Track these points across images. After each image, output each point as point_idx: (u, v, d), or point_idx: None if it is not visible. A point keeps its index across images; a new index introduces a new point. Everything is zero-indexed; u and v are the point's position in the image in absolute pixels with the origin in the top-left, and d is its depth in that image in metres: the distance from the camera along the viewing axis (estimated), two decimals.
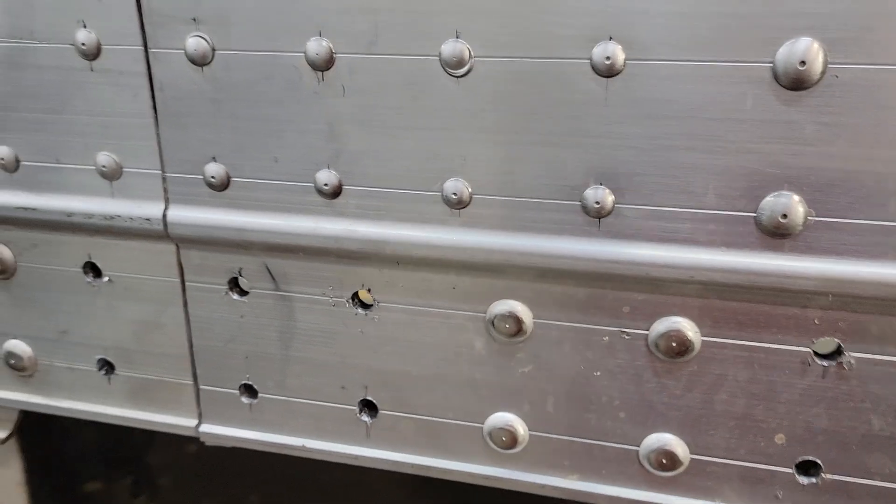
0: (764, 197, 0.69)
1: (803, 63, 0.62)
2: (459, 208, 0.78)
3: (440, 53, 0.73)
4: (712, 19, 0.65)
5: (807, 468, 0.79)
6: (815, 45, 0.62)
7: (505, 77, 0.72)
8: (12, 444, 1.19)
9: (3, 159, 0.91)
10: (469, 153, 0.76)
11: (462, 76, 0.73)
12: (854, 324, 0.71)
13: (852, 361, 0.73)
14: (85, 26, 0.82)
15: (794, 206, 0.67)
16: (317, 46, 0.75)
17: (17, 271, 0.98)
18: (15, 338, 1.02)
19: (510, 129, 0.74)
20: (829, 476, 0.78)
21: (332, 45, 0.75)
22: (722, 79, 0.66)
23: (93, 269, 0.95)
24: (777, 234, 0.69)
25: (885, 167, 0.65)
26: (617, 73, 0.68)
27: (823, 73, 0.63)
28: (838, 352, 0.73)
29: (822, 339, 0.73)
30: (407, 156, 0.78)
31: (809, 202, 0.68)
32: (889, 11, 0.61)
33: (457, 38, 0.71)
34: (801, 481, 0.79)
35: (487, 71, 0.72)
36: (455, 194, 0.77)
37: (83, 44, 0.83)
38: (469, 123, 0.75)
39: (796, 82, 0.64)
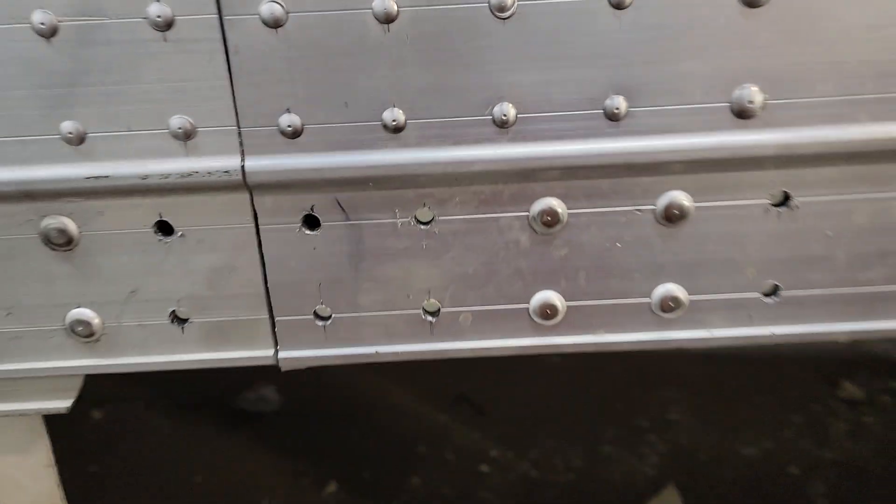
0: (734, 90, 0.96)
1: None
2: (507, 128, 0.99)
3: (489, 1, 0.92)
4: None
5: (771, 291, 1.09)
6: None
7: (542, 16, 0.93)
8: (40, 426, 1.24)
9: (70, 133, 0.97)
10: (514, 81, 0.96)
11: (507, 18, 0.93)
12: (797, 176, 1.01)
13: (798, 205, 1.02)
14: (158, 0, 0.92)
15: (756, 94, 0.95)
16: (381, 3, 0.92)
17: (80, 241, 1.04)
18: (80, 306, 1.08)
19: (548, 59, 0.95)
20: (785, 293, 1.08)
21: (395, 1, 0.92)
22: (701, 7, 0.92)
23: (163, 228, 1.05)
24: (744, 117, 0.97)
25: (820, 62, 0.94)
26: (627, 6, 0.92)
27: None
28: (787, 198, 1.03)
29: (775, 191, 1.03)
30: (459, 90, 0.97)
31: (767, 90, 0.95)
32: None
33: None
34: (766, 301, 1.09)
35: (528, 12, 0.93)
36: (504, 115, 0.97)
37: (158, 16, 0.92)
38: (514, 57, 0.95)
39: (752, 3, 0.91)
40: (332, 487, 2.94)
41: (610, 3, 0.92)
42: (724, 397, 3.49)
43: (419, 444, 3.20)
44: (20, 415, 1.05)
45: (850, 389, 3.44)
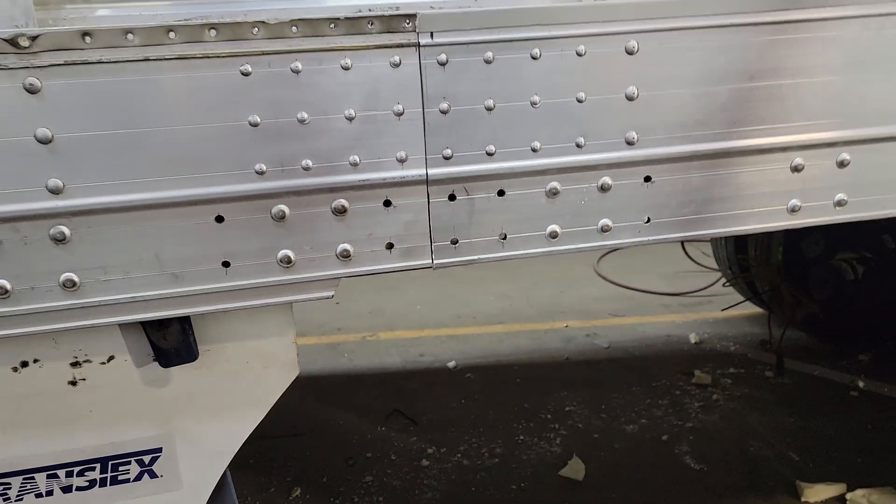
0: (626, 132, 1.73)
1: None
2: None
3: None
4: None
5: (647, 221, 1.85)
6: None
7: None
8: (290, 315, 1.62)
9: None
10: None
11: None
12: (658, 169, 1.78)
13: (655, 182, 1.80)
14: None
15: (634, 134, 1.73)
16: None
17: None
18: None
19: None
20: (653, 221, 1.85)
21: None
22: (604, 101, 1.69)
23: None
24: (630, 143, 1.74)
25: (663, 122, 1.73)
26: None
27: None
28: (649, 178, 1.80)
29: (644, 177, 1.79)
30: None
31: (639, 133, 1.73)
32: None
33: None
34: (645, 225, 1.84)
35: None
36: None
37: None
38: None
39: (630, 98, 1.69)
40: (297, 492, 3.40)
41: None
42: (607, 391, 4.33)
43: (366, 451, 3.74)
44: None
45: (700, 376, 4.38)
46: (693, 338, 5.03)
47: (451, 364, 4.75)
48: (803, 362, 4.45)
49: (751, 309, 5.19)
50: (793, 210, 1.59)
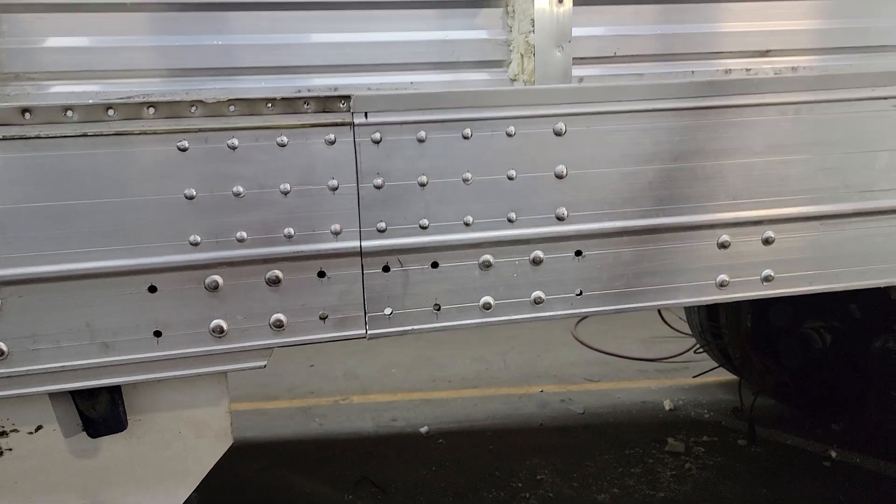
0: (555, 210, 1.78)
1: None
2: None
3: None
4: None
5: (579, 294, 1.88)
6: None
7: None
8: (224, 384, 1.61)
9: None
10: None
11: None
12: (591, 244, 1.83)
13: (586, 256, 1.84)
14: None
15: (564, 210, 1.78)
16: None
17: None
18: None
19: None
20: (586, 294, 1.87)
21: None
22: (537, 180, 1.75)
23: None
24: (560, 219, 1.78)
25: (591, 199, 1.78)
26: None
27: None
28: (580, 252, 1.85)
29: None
30: None
31: (570, 209, 1.79)
32: None
33: None
34: (578, 297, 1.87)
35: None
36: None
37: None
38: None
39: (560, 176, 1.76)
40: None
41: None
42: (580, 458, 4.29)
43: None
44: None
45: (674, 444, 4.35)
46: (667, 404, 5.01)
47: (424, 429, 4.70)
48: (776, 430, 4.42)
49: (724, 375, 5.18)
50: (721, 284, 1.62)
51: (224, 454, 1.62)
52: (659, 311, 5.53)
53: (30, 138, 1.30)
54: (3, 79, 1.46)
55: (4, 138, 1.29)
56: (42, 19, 1.45)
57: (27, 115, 1.29)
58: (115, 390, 1.48)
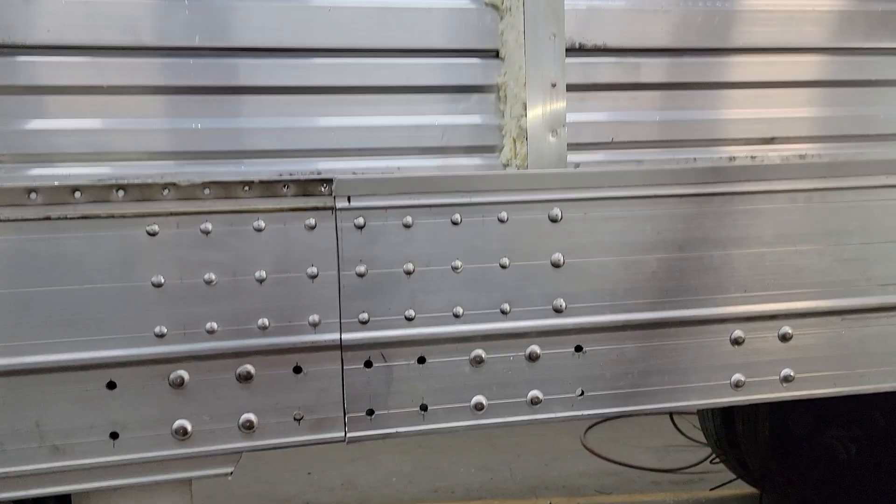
0: (553, 301, 1.67)
1: None
2: None
3: None
4: None
5: (580, 394, 1.73)
6: None
7: None
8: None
9: None
10: None
11: None
12: (589, 339, 1.70)
13: (587, 352, 1.71)
14: None
15: (562, 302, 1.67)
16: None
17: None
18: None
19: None
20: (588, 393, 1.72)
21: None
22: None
23: None
24: (558, 311, 1.67)
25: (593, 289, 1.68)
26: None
27: None
28: (580, 349, 1.71)
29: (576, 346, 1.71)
30: None
31: (567, 301, 1.68)
32: None
33: None
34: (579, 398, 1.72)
35: None
36: None
37: None
38: None
39: (556, 265, 1.66)
40: None
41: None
42: None
43: None
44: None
45: None
46: None
47: None
48: None
49: (744, 488, 4.86)
50: (737, 385, 1.48)
51: None
52: (671, 419, 5.28)
53: None
54: None
55: None
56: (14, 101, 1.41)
57: None
58: (66, 499, 1.33)
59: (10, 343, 1.24)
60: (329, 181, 1.35)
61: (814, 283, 1.49)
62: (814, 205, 1.48)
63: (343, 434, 1.38)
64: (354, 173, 1.45)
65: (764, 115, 1.67)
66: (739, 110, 1.67)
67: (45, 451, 1.27)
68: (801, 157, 1.68)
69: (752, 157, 1.67)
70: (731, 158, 1.65)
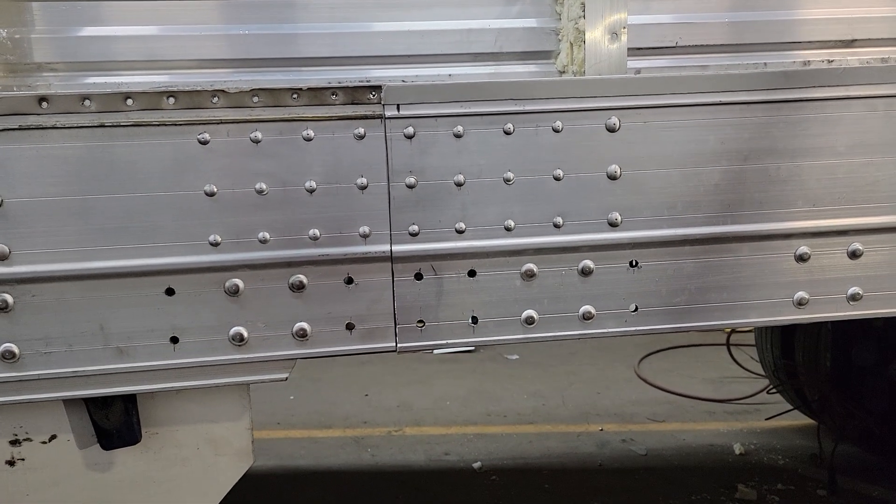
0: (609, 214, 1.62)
1: None
2: None
3: None
4: None
5: (635, 310, 1.70)
6: None
7: None
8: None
9: None
10: None
11: None
12: (644, 254, 1.65)
13: (642, 267, 1.66)
14: None
15: (618, 216, 1.62)
16: None
17: None
18: None
19: None
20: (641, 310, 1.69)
21: None
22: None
23: None
24: (613, 225, 1.62)
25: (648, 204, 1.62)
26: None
27: None
28: (636, 264, 1.67)
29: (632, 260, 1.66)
30: None
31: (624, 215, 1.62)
32: None
33: None
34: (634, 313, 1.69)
35: None
36: None
37: None
38: None
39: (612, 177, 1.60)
40: None
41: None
42: (640, 503, 4.00)
43: None
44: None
45: (745, 491, 4.02)
46: (738, 448, 4.66)
47: (477, 465, 4.51)
48: (860, 481, 4.03)
49: (800, 419, 4.80)
50: (800, 303, 1.43)
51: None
52: (728, 349, 5.20)
53: (46, 128, 1.24)
54: (27, 70, 1.42)
55: (21, 128, 1.23)
56: (72, 7, 1.41)
57: (44, 105, 1.24)
58: (130, 400, 1.39)
59: (73, 248, 1.28)
60: (378, 88, 1.32)
61: (889, 198, 1.40)
62: (894, 112, 1.37)
63: (394, 344, 1.39)
64: (404, 81, 1.41)
65: (843, 14, 1.54)
66: (817, 10, 1.54)
67: (109, 353, 1.32)
68: (884, 60, 1.55)
69: (829, 62, 1.55)
70: (806, 63, 1.54)
